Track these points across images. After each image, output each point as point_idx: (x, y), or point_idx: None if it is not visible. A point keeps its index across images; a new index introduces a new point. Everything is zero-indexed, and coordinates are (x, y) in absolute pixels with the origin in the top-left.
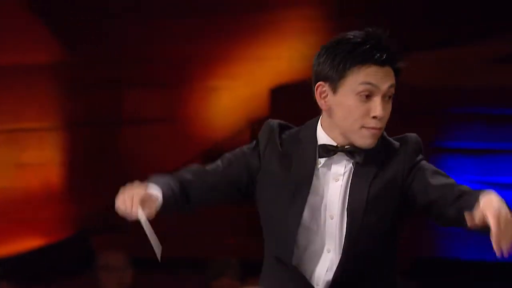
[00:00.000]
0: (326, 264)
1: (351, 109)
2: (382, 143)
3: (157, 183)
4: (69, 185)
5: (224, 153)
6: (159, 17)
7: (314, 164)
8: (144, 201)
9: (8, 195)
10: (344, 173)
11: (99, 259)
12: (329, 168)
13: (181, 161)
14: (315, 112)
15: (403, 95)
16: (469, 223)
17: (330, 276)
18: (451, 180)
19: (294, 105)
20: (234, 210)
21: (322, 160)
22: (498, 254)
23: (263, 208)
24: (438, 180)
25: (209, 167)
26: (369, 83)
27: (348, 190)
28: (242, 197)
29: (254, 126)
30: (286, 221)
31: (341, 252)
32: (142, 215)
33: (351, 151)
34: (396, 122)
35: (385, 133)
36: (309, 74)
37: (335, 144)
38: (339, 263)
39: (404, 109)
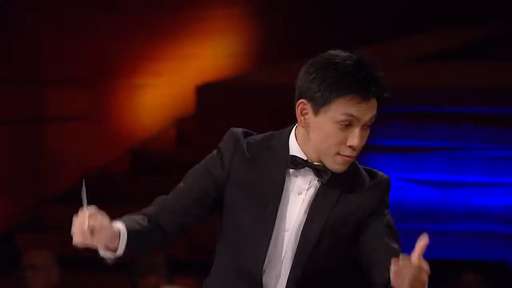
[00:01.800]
0: (276, 276)
1: (329, 135)
2: (351, 168)
3: (120, 220)
4: None
5: (149, 151)
6: (83, 14)
7: (284, 173)
8: (97, 230)
9: None
10: (309, 188)
11: (25, 258)
12: (295, 180)
13: (107, 159)
14: (240, 110)
15: None
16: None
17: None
18: (396, 247)
19: (219, 103)
20: None
21: (290, 171)
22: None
23: (231, 217)
24: (387, 241)
25: (174, 193)
26: (351, 115)
27: (309, 207)
28: (212, 211)
29: (179, 124)
30: (258, 231)
31: (291, 266)
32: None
33: (318, 169)
34: None
35: (356, 161)
36: (234, 72)
37: (305, 158)
38: (289, 277)
39: None
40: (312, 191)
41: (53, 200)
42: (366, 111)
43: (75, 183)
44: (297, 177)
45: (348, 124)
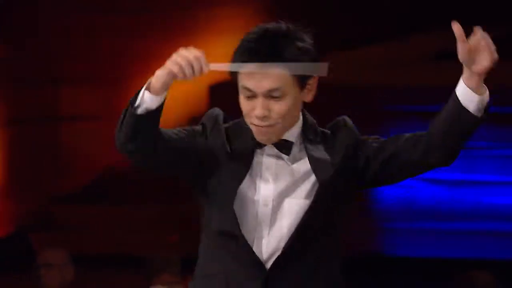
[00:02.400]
0: (264, 243)
1: (241, 105)
2: (321, 131)
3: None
4: (7, 182)
5: None
6: (97, 13)
7: (253, 151)
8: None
9: None
10: (276, 163)
11: (39, 257)
12: (262, 157)
13: (120, 158)
14: None
15: (338, 92)
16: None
17: (273, 251)
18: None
19: (233, 102)
20: (173, 208)
21: (258, 150)
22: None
23: (205, 191)
24: (387, 139)
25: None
26: (246, 88)
27: (279, 180)
28: (188, 171)
29: (193, 123)
30: (224, 204)
31: (278, 234)
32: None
33: (278, 145)
34: (332, 119)
35: (316, 126)
36: None
37: None
38: (290, 238)
39: (339, 106)
40: (280, 166)
41: (66, 199)
42: (261, 82)
43: (89, 182)
44: (263, 154)
45: (251, 95)
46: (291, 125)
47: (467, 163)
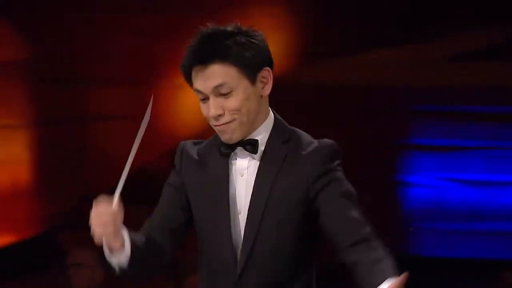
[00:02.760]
0: (237, 259)
1: (201, 110)
2: (290, 137)
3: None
4: (37, 182)
5: None
6: (127, 14)
7: (227, 160)
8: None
9: None
10: (248, 167)
11: (69, 257)
12: (235, 163)
13: (149, 159)
14: (281, 109)
15: (365, 93)
16: None
17: (246, 264)
18: (355, 215)
19: None
20: None
21: (231, 156)
22: None
23: (195, 216)
24: (344, 211)
25: (155, 209)
26: (197, 90)
27: (252, 186)
28: (190, 213)
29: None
30: (215, 218)
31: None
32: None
33: (244, 144)
34: (358, 119)
35: (297, 130)
36: (276, 71)
37: None
38: (240, 256)
39: (365, 107)
40: (252, 170)
41: (96, 199)
42: (207, 81)
43: (117, 182)
44: (236, 159)
45: (204, 97)
46: (256, 122)
47: (497, 163)
